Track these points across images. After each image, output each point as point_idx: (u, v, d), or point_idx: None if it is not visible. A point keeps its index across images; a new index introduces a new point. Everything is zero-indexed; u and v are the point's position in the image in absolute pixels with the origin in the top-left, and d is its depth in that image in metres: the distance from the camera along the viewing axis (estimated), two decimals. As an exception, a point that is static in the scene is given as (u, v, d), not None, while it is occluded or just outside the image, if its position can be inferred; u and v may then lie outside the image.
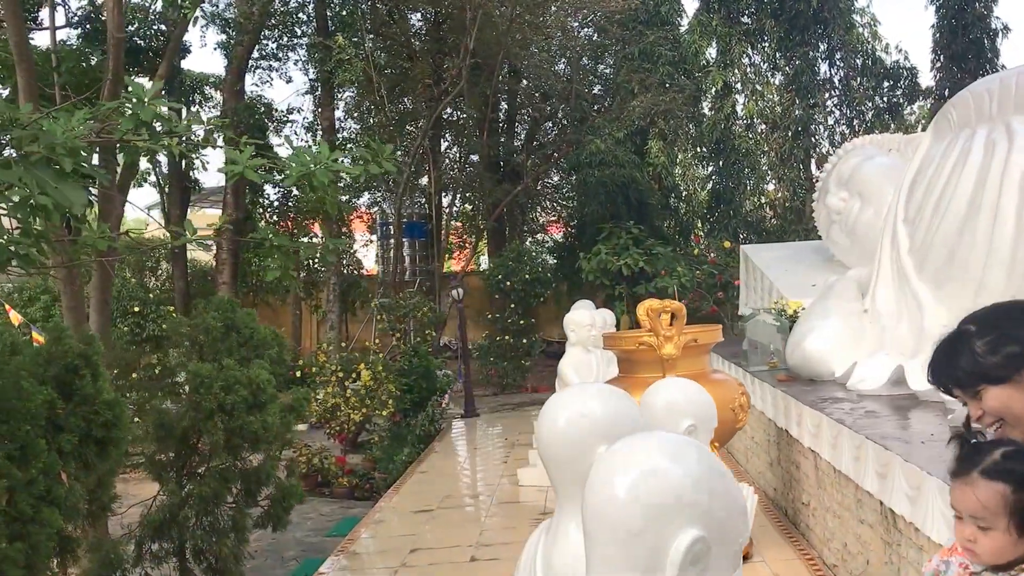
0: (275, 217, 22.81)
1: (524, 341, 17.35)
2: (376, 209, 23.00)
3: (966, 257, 7.66)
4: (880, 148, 11.40)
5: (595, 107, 22.36)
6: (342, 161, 5.15)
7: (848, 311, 8.84)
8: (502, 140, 23.34)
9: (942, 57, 20.92)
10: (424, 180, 21.26)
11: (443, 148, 22.91)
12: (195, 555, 6.38)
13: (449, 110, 21.59)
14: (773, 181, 22.22)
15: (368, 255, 26.57)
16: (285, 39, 21.68)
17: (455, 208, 23.20)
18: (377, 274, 22.03)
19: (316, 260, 18.47)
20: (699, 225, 22.35)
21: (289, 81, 37.04)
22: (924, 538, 4.65)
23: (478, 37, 17.12)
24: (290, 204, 22.53)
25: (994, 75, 9.09)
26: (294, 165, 5.15)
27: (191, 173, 20.93)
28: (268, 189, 21.62)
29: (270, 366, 6.43)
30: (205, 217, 29.60)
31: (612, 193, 18.11)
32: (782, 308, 9.41)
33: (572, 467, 2.26)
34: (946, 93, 20.64)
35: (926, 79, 21.89)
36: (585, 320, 9.66)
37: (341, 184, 19.54)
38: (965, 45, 20.55)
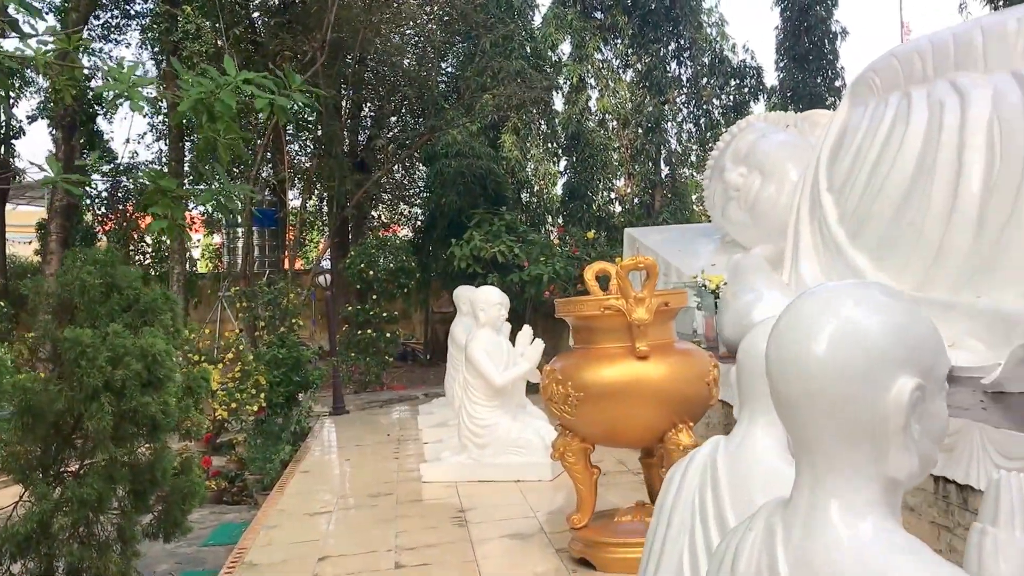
0: (103, 209, 20.65)
1: (388, 335, 16.02)
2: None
3: (918, 220, 7.08)
4: (776, 125, 10.91)
5: (449, 100, 21.27)
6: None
7: (780, 283, 8.18)
8: (355, 128, 21.89)
9: (786, 58, 21.03)
10: (273, 167, 19.66)
11: (295, 132, 21.25)
12: (71, 575, 4.88)
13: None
14: (624, 176, 21.77)
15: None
16: (119, 15, 19.56)
17: (307, 198, 21.56)
18: (223, 266, 20.22)
19: (165, 244, 16.54)
20: (550, 220, 21.63)
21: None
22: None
23: (338, 16, 15.73)
24: (119, 195, 20.45)
25: (920, 37, 8.71)
26: (191, 89, 3.88)
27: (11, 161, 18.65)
28: (96, 179, 19.46)
29: (164, 335, 5.01)
30: (21, 215, 26.94)
31: (470, 184, 17.14)
32: (703, 284, 8.63)
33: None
34: (789, 93, 20.81)
35: (771, 78, 22.02)
36: (495, 298, 8.60)
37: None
38: (807, 47, 20.73)
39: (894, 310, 1.43)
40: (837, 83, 20.66)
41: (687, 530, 2.60)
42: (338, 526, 7.31)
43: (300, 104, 4.26)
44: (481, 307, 8.51)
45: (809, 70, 20.60)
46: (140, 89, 3.82)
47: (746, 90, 21.08)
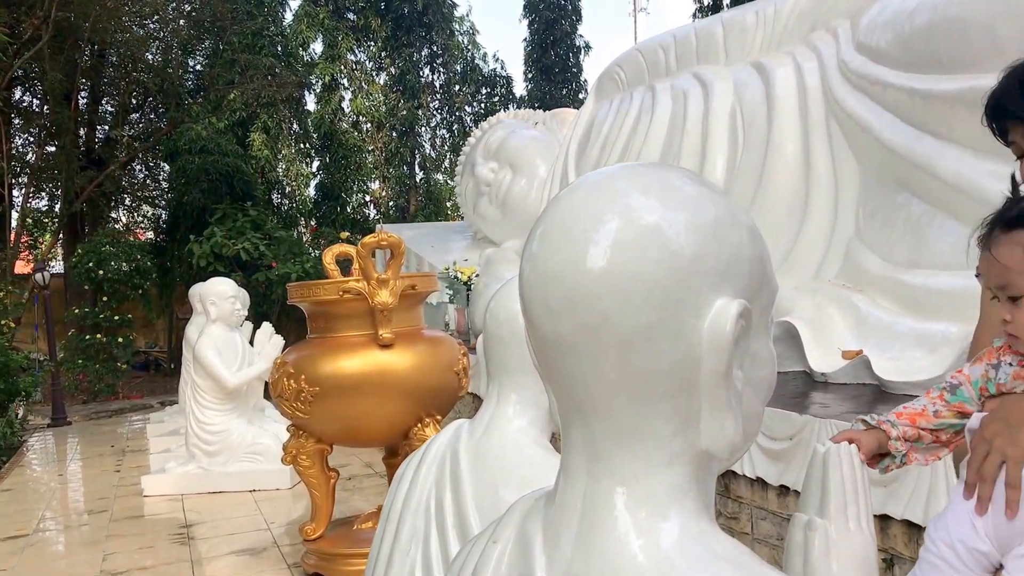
0: None
1: (120, 340, 14.40)
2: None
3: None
4: (526, 122, 10.61)
5: (196, 96, 19.72)
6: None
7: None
8: (93, 123, 19.81)
9: (534, 69, 21.12)
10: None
11: (17, 124, 18.90)
12: None
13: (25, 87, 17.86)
14: (379, 179, 21.05)
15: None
16: None
17: (30, 194, 19.24)
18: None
19: None
20: (303, 222, 20.53)
21: None
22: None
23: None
24: None
25: (663, 33, 8.67)
26: None
27: None
28: None
29: None
30: None
31: (216, 181, 15.87)
32: (455, 275, 8.05)
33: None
34: (537, 104, 20.86)
35: (520, 88, 22.04)
36: (228, 290, 7.59)
37: None
38: (553, 59, 20.90)
39: (706, 203, 0.87)
40: (581, 95, 20.95)
41: (420, 539, 2.02)
42: (34, 552, 6.10)
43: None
44: (212, 300, 7.50)
45: (555, 82, 20.80)
46: None
47: (496, 99, 20.96)
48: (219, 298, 7.51)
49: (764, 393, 0.97)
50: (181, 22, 19.65)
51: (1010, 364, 1.48)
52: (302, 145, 20.19)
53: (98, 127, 20.20)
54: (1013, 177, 1.55)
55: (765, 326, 0.96)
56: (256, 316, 11.50)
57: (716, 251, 0.85)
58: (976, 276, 1.81)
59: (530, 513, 1.00)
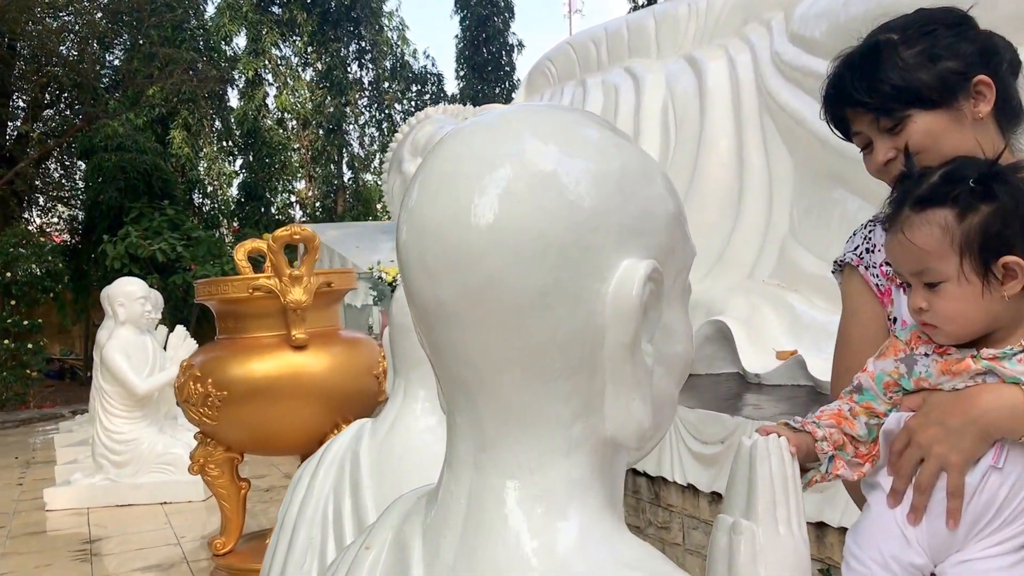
0: None
1: (30, 347, 13.85)
2: None
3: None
4: (455, 118, 10.48)
5: (114, 91, 19.16)
6: None
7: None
8: (2, 118, 19.10)
9: (466, 67, 21.01)
10: None
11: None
12: None
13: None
14: (305, 179, 20.70)
15: None
16: None
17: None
18: None
19: None
20: (225, 223, 20.08)
21: None
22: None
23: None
24: None
25: (594, 26, 8.63)
26: None
27: None
28: None
29: None
30: None
31: (133, 180, 15.43)
32: (379, 275, 7.86)
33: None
34: (468, 102, 20.73)
35: (452, 86, 21.92)
36: (138, 292, 7.29)
37: None
38: (486, 57, 20.82)
39: (612, 150, 0.77)
40: (515, 94, 20.85)
41: (316, 549, 1.95)
42: (-80, 574, 5.75)
43: None
44: (120, 302, 7.20)
45: (488, 80, 20.72)
46: None
47: (427, 96, 20.83)
48: (127, 299, 7.21)
49: (679, 373, 0.86)
50: (98, 15, 19.11)
51: (926, 355, 1.35)
52: (224, 143, 19.78)
53: (8, 123, 19.52)
54: (907, 149, 1.44)
55: (680, 294, 0.85)
56: (174, 321, 11.15)
57: (622, 204, 0.74)
58: (836, 269, 1.71)
59: (410, 514, 0.87)
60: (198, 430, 4.92)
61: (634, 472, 4.13)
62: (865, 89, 1.49)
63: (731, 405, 3.96)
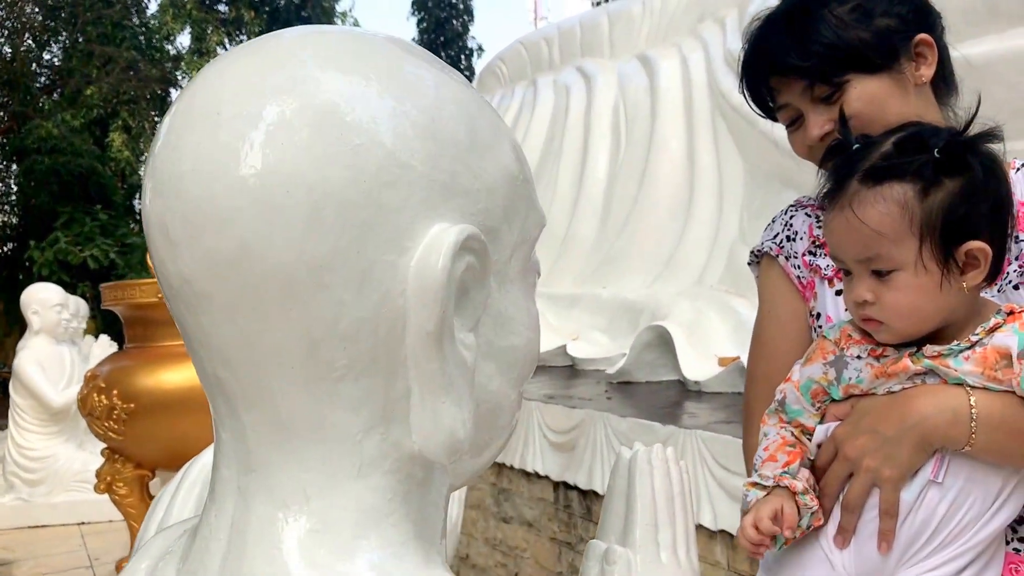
0: None
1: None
2: None
3: (544, 210, 6.73)
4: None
5: (51, 91, 18.82)
6: None
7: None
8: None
9: (422, 68, 20.94)
10: None
11: None
12: None
13: None
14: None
15: None
16: None
17: None
18: None
19: None
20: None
21: None
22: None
23: None
24: None
25: (547, 25, 8.60)
26: None
27: None
28: None
29: None
30: None
31: (68, 184, 15.11)
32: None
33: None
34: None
35: (407, 90, 21.85)
36: (55, 298, 7.05)
37: None
38: (445, 60, 20.71)
39: (424, 84, 0.61)
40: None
41: None
42: None
43: None
44: (34, 309, 6.95)
45: (446, 83, 20.63)
46: None
47: (382, 99, 20.70)
48: (42, 306, 6.97)
49: (517, 370, 0.70)
50: (36, 9, 18.79)
51: (859, 358, 1.19)
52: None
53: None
54: (842, 115, 1.27)
55: (521, 274, 0.70)
56: (108, 331, 10.90)
57: (435, 154, 0.59)
58: (753, 260, 1.54)
59: (167, 553, 0.71)
60: (104, 446, 4.73)
61: (565, 485, 4.00)
62: (795, 52, 1.33)
63: (667, 415, 3.85)
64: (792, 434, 1.23)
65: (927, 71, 1.34)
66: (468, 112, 0.63)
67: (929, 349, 1.13)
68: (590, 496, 3.85)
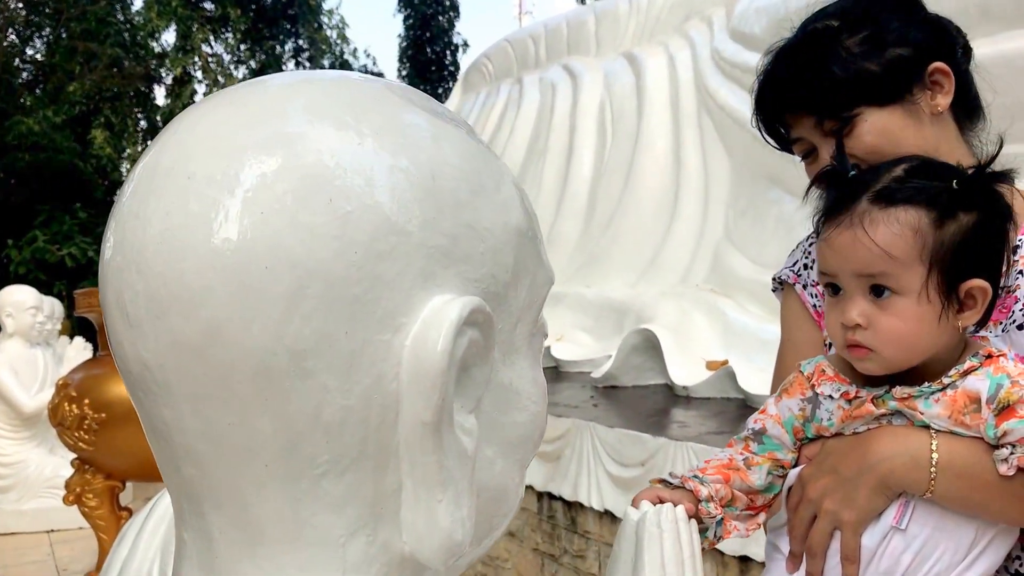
0: None
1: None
2: None
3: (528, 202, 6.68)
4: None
5: (33, 87, 18.62)
6: None
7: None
8: None
9: (409, 65, 20.84)
10: None
11: None
12: None
13: None
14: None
15: None
16: None
17: None
18: None
19: None
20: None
21: None
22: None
23: None
24: None
25: (534, 24, 8.55)
26: None
27: None
28: None
29: None
30: None
31: (49, 182, 14.97)
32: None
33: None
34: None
35: (392, 87, 21.77)
36: (29, 300, 6.87)
37: None
38: (430, 56, 20.67)
39: (422, 137, 0.54)
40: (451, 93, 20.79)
41: None
42: None
43: None
44: (8, 311, 6.76)
45: (431, 79, 20.59)
46: None
47: (367, 96, 20.59)
48: (16, 308, 6.78)
49: (522, 450, 0.62)
50: (19, 4, 18.59)
51: (831, 397, 1.12)
52: (150, 143, 19.33)
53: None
54: (839, 142, 1.22)
55: (528, 340, 0.61)
56: (84, 333, 10.73)
57: (434, 218, 0.51)
58: (776, 287, 1.50)
59: None
60: (75, 456, 4.57)
61: (550, 496, 3.86)
62: (804, 87, 1.30)
63: (655, 423, 3.72)
64: (744, 461, 1.18)
65: (943, 100, 1.29)
66: (472, 166, 0.55)
67: (899, 390, 1.08)
68: (575, 507, 3.72)
